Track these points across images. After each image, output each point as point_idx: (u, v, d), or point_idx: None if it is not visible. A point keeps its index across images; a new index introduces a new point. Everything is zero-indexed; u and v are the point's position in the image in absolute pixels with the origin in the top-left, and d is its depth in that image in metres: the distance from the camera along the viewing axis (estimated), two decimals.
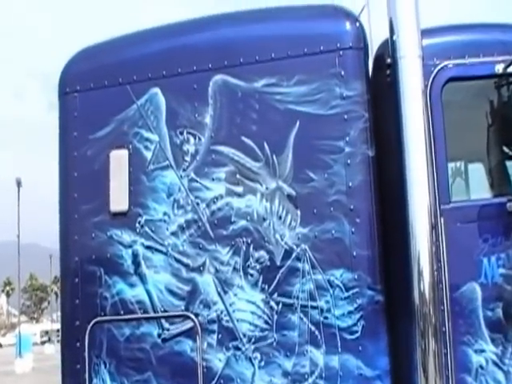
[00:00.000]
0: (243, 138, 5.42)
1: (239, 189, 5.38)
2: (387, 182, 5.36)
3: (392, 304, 5.23)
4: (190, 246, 5.42)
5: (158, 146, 5.58)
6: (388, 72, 5.37)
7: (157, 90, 5.66)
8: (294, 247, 5.22)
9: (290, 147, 5.29)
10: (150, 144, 5.62)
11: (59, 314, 5.95)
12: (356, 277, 5.13)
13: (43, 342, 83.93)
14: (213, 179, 5.44)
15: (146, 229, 5.52)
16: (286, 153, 5.30)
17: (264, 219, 5.27)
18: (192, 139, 5.51)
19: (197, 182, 5.46)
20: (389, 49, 5.33)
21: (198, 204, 5.44)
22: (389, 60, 5.34)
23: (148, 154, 5.62)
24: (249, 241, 5.30)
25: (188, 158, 5.49)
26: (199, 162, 5.48)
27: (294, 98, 5.35)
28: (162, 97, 5.65)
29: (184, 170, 5.51)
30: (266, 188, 5.32)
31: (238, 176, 5.40)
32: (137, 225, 5.55)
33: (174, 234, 5.47)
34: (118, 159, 5.66)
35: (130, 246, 5.55)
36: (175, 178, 5.52)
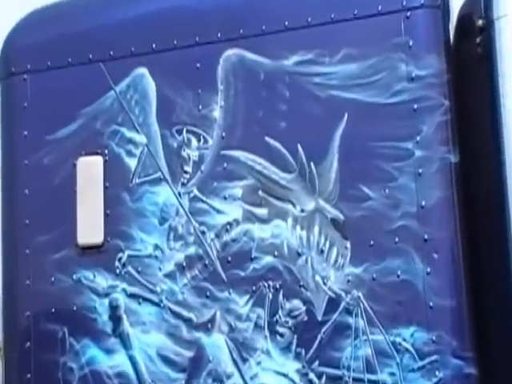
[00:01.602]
0: (268, 140, 4.84)
1: (262, 211, 4.85)
2: (478, 199, 4.81)
3: (490, 379, 4.65)
4: (193, 294, 4.90)
5: (146, 151, 5.11)
6: (478, 40, 4.80)
7: (143, 71, 5.14)
8: (343, 294, 4.64)
9: (335, 152, 4.72)
10: (134, 148, 5.14)
11: None
12: (434, 338, 4.48)
13: None
14: (225, 198, 4.90)
15: (130, 269, 4.98)
16: (330, 160, 4.72)
17: (298, 254, 4.71)
18: (194, 141, 5.03)
19: (202, 201, 4.96)
20: (480, 5, 4.73)
21: (203, 233, 4.93)
22: (480, 22, 4.76)
23: (132, 163, 5.11)
24: (277, 285, 4.74)
25: (189, 168, 5.01)
26: (205, 174, 4.97)
27: (341, 81, 4.77)
28: (150, 80, 5.11)
29: (183, 185, 5.00)
30: (301, 210, 4.76)
31: (260, 193, 4.85)
32: (116, 263, 5.03)
33: (169, 276, 4.95)
34: (89, 170, 5.15)
35: (107, 295, 5.03)
36: (171, 196, 5.02)
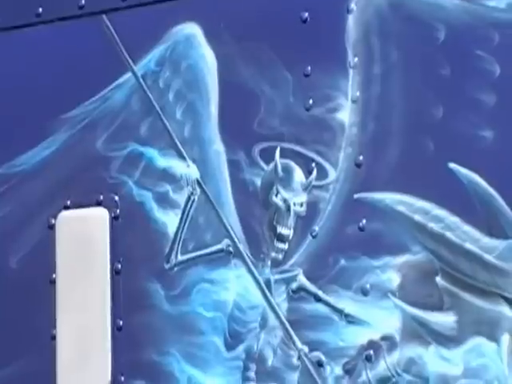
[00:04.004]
0: (454, 167, 3.31)
1: (444, 319, 3.34)
2: None
3: None
4: None
5: (199, 197, 3.62)
6: None
7: (193, 31, 3.66)
8: None
9: None
10: (173, 190, 3.63)
11: None
12: None
13: None
14: (363, 291, 3.37)
15: None
16: None
17: None
18: (299, 173, 3.55)
19: (315, 298, 3.47)
20: None
21: (319, 365, 3.41)
22: None
23: (169, 221, 3.63)
24: None
25: (287, 231, 3.48)
26: (321, 242, 3.49)
27: None
28: (207, 49, 3.61)
29: (277, 266, 3.54)
30: None
31: (438, 280, 3.26)
32: None
33: None
34: (81, 236, 3.78)
35: None
36: (249, 287, 3.61)
